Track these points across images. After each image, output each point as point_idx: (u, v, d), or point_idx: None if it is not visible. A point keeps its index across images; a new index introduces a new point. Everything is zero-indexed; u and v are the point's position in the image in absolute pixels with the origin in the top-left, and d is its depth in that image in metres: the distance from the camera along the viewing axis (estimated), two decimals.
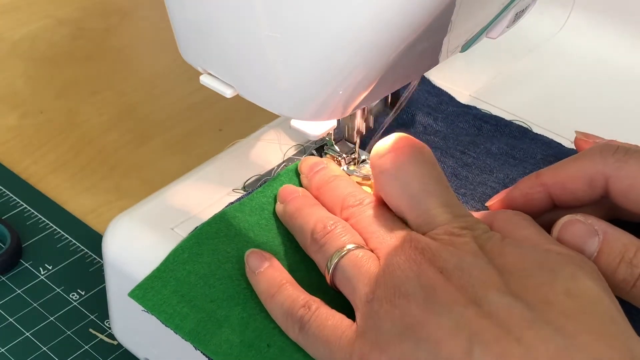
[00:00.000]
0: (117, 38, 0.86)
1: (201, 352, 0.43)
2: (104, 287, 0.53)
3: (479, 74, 0.63)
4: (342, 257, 0.42)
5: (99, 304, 0.58)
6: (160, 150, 0.72)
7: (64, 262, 0.61)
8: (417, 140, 0.45)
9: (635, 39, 0.62)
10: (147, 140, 0.73)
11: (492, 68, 0.63)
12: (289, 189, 0.48)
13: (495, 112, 0.58)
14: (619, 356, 0.35)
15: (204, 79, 0.47)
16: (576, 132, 0.48)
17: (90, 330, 0.57)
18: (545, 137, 0.56)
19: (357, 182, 0.49)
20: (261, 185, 0.50)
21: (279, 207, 0.48)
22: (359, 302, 0.40)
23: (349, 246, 0.42)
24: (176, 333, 0.44)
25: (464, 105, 0.58)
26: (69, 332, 0.57)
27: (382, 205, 0.45)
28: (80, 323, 0.57)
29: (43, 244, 0.63)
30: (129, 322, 0.52)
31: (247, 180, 0.52)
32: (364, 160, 0.52)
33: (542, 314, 0.36)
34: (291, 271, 0.45)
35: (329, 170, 0.49)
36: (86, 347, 0.56)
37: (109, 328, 0.57)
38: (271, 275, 0.43)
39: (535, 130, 0.56)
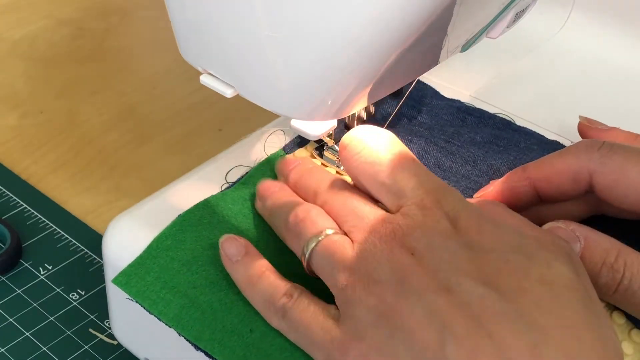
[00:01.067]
0: (117, 38, 0.86)
1: (184, 337, 0.44)
2: (104, 287, 0.53)
3: (479, 74, 0.63)
4: (318, 243, 0.42)
5: (99, 304, 0.58)
6: (160, 150, 0.72)
7: (64, 262, 0.61)
8: (382, 128, 0.45)
9: (635, 39, 0.62)
10: (147, 140, 0.73)
11: (492, 68, 0.63)
12: (266, 185, 0.48)
13: (495, 112, 0.58)
14: (589, 349, 0.35)
15: (204, 79, 0.47)
16: (580, 117, 0.48)
17: (90, 330, 0.57)
18: (528, 128, 0.56)
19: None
20: (243, 177, 0.51)
21: (258, 204, 0.48)
22: (335, 288, 0.40)
23: (327, 232, 0.42)
24: (159, 319, 0.44)
25: (448, 98, 0.59)
26: (69, 332, 0.57)
27: (355, 188, 0.45)
28: (80, 323, 0.57)
29: (43, 244, 0.63)
30: (129, 322, 0.52)
31: (229, 172, 0.52)
32: None
33: (515, 304, 0.36)
34: (273, 259, 0.45)
35: (303, 164, 0.48)
36: (86, 347, 0.56)
37: (109, 328, 0.57)
38: (251, 264, 0.43)
39: (534, 129, 0.56)
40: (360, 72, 0.42)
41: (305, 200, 0.46)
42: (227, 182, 0.52)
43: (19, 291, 0.59)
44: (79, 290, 0.60)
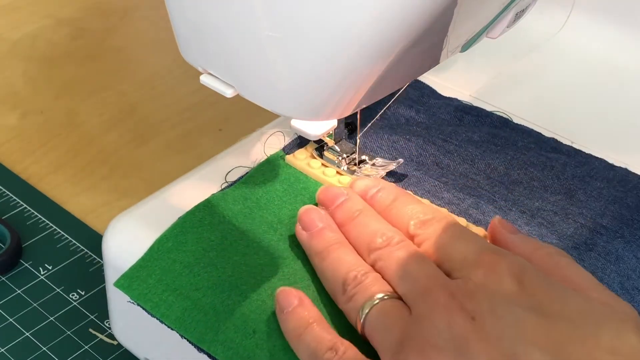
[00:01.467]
0: (117, 38, 0.86)
1: (186, 339, 0.44)
2: (104, 287, 0.53)
3: (479, 74, 0.63)
4: (372, 307, 0.40)
5: (99, 304, 0.58)
6: (160, 150, 0.72)
7: (64, 262, 0.61)
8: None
9: (635, 39, 0.62)
10: (147, 140, 0.73)
11: (492, 68, 0.63)
12: (312, 215, 0.46)
13: (495, 112, 0.58)
14: None
15: (204, 79, 0.47)
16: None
17: (90, 330, 0.57)
18: (525, 126, 0.56)
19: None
20: (243, 176, 0.50)
21: (302, 234, 0.46)
22: (387, 353, 0.39)
23: (379, 295, 0.41)
24: (162, 322, 0.44)
25: (445, 97, 0.59)
26: (69, 332, 0.57)
27: (411, 245, 0.43)
28: (80, 323, 0.57)
29: (43, 244, 0.63)
30: (129, 322, 0.52)
31: (229, 172, 0.52)
32: (363, 161, 0.52)
33: None
34: (278, 260, 0.45)
35: (352, 203, 0.46)
36: (86, 347, 0.56)
37: (109, 328, 0.57)
38: (299, 315, 0.41)
39: (534, 129, 0.56)
40: (360, 72, 0.42)
41: (356, 249, 0.44)
42: (227, 182, 0.52)
43: (19, 291, 0.59)
44: (79, 290, 0.60)
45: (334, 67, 0.41)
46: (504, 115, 0.57)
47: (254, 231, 0.47)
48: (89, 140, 0.73)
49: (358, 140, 0.52)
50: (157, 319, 0.45)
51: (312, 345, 0.40)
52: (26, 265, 0.61)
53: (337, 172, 0.51)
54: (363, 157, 0.52)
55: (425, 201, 0.49)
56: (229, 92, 0.46)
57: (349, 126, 0.53)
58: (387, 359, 0.39)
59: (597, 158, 0.54)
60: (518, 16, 0.49)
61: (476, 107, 0.58)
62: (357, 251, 0.44)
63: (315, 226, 0.45)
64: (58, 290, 0.59)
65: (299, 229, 0.46)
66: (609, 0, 0.63)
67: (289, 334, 0.42)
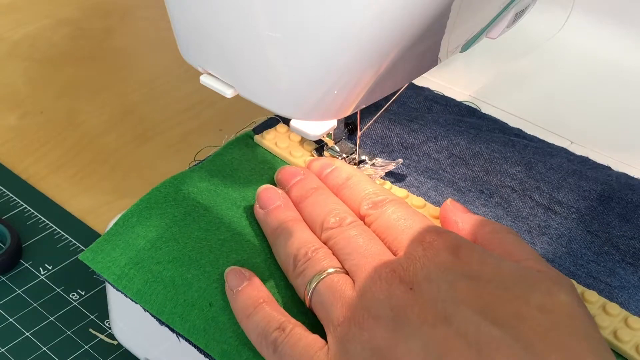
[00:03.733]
0: (117, 38, 0.86)
1: (147, 310, 0.45)
2: (104, 287, 0.53)
3: (479, 74, 0.63)
4: (320, 281, 0.42)
5: (99, 304, 0.58)
6: (160, 150, 0.72)
7: (64, 262, 0.61)
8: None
9: (635, 39, 0.62)
10: (147, 140, 0.73)
11: (492, 68, 0.63)
12: (269, 194, 0.47)
13: (495, 112, 0.58)
14: None
15: (204, 79, 0.47)
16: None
17: (90, 330, 0.57)
18: (491, 115, 0.57)
19: None
20: (211, 155, 0.52)
21: (259, 212, 0.47)
22: (331, 326, 0.40)
23: (329, 270, 0.42)
24: (124, 294, 0.46)
25: (417, 87, 0.59)
26: (69, 332, 0.57)
27: (362, 225, 0.44)
28: (80, 323, 0.57)
29: (43, 244, 0.63)
30: (129, 322, 0.52)
31: (199, 152, 0.53)
32: (363, 160, 0.52)
33: (513, 331, 0.36)
34: (238, 236, 0.46)
35: (307, 181, 0.48)
36: (86, 347, 0.56)
37: (109, 328, 0.57)
38: (248, 294, 0.42)
39: (534, 129, 0.56)
40: (360, 73, 0.42)
41: (310, 227, 0.45)
42: (195, 161, 0.53)
43: (19, 291, 0.59)
44: (79, 290, 0.60)
45: (334, 67, 0.41)
46: (474, 106, 0.58)
47: (217, 208, 0.48)
48: (89, 140, 0.73)
49: (358, 140, 0.52)
50: (119, 290, 0.46)
51: (261, 325, 0.41)
52: (26, 265, 0.61)
53: (303, 157, 0.52)
54: (363, 157, 0.52)
55: (387, 184, 0.50)
56: (229, 92, 0.46)
57: (349, 126, 0.53)
58: (331, 331, 0.40)
59: (560, 147, 0.55)
60: (518, 16, 0.49)
61: (446, 97, 0.58)
62: (310, 228, 0.45)
63: (272, 204, 0.47)
64: (58, 290, 0.59)
65: (256, 207, 0.47)
66: (609, 0, 0.63)
67: (239, 313, 0.42)
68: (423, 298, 0.38)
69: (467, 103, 0.58)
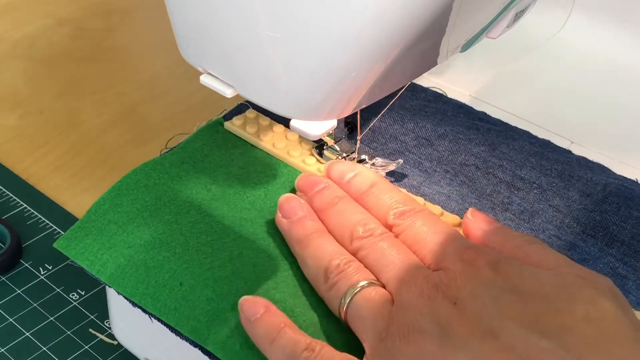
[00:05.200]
0: (117, 38, 0.86)
1: (120, 293, 0.46)
2: (104, 287, 0.53)
3: (479, 74, 0.63)
4: (355, 294, 0.41)
5: (99, 304, 0.58)
6: (160, 150, 0.72)
7: (64, 262, 0.61)
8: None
9: (635, 39, 0.62)
10: (147, 140, 0.73)
11: (492, 68, 0.63)
12: (292, 203, 0.46)
13: (495, 112, 0.58)
14: None
15: (204, 79, 0.47)
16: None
17: (90, 330, 0.57)
18: (457, 100, 0.58)
19: None
20: (182, 143, 0.53)
21: (283, 222, 0.46)
22: (371, 339, 0.39)
23: (362, 283, 0.41)
24: (97, 279, 0.47)
25: None
26: (69, 332, 0.57)
27: (392, 237, 0.44)
28: (80, 323, 0.57)
29: (43, 244, 0.63)
30: (129, 322, 0.52)
31: (170, 139, 0.54)
32: (363, 160, 0.52)
33: (562, 342, 0.36)
34: (207, 218, 0.47)
35: (331, 190, 0.47)
36: (86, 347, 0.56)
37: (109, 328, 0.57)
38: (268, 321, 0.42)
39: (534, 129, 0.56)
40: (360, 73, 0.42)
41: (336, 237, 0.45)
42: (167, 148, 0.53)
43: (19, 291, 0.59)
44: (79, 290, 0.60)
45: (334, 67, 0.41)
46: (440, 91, 0.58)
47: (187, 192, 0.49)
48: (89, 140, 0.73)
49: (358, 140, 0.52)
50: (92, 276, 0.47)
51: (288, 348, 0.40)
52: (26, 265, 0.61)
53: (272, 140, 0.53)
54: (363, 156, 0.52)
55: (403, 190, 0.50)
56: (229, 92, 0.46)
57: (348, 126, 0.53)
58: (371, 345, 0.39)
59: (522, 130, 0.56)
60: (518, 16, 0.49)
61: (413, 84, 0.59)
62: (336, 239, 0.45)
63: (296, 214, 0.46)
64: (58, 290, 0.59)
65: (279, 216, 0.47)
66: (608, 0, 0.63)
67: (261, 341, 0.42)
68: (468, 313, 0.38)
69: (433, 89, 0.58)
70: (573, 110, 0.60)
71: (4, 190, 0.67)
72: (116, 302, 0.52)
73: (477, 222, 0.45)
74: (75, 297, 0.59)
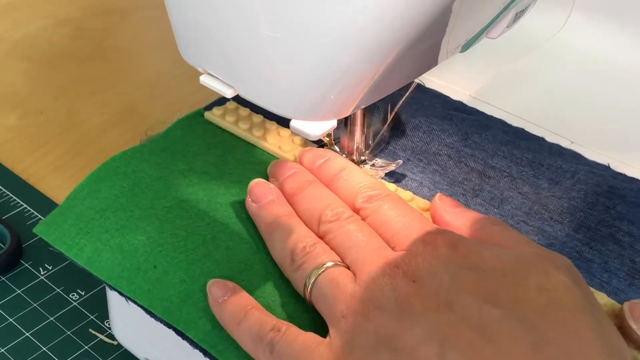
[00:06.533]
0: (117, 38, 0.86)
1: (95, 275, 0.47)
2: (104, 287, 0.53)
3: (479, 74, 0.63)
4: (320, 274, 0.42)
5: (99, 304, 0.58)
6: (140, 140, 0.72)
7: (64, 262, 0.61)
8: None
9: (635, 39, 0.62)
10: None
11: (492, 68, 0.63)
12: (261, 188, 0.47)
13: (495, 112, 0.58)
14: (590, 347, 0.36)
15: (204, 79, 0.47)
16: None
17: (90, 330, 0.57)
18: (435, 90, 0.59)
19: None
20: (161, 132, 0.54)
21: (252, 206, 0.47)
22: (334, 318, 0.40)
23: (327, 264, 0.42)
24: (75, 262, 0.48)
25: None
26: (69, 332, 0.57)
27: (360, 220, 0.45)
28: (80, 323, 0.57)
29: (43, 244, 0.62)
30: (129, 322, 0.52)
31: (149, 128, 0.55)
32: (363, 161, 0.52)
33: (514, 311, 0.37)
34: (183, 203, 0.48)
35: (301, 175, 0.48)
36: (86, 347, 0.56)
37: (109, 328, 0.57)
38: (236, 302, 0.43)
39: (534, 129, 0.56)
40: (360, 72, 0.42)
41: (305, 221, 0.46)
42: (147, 137, 0.54)
43: (19, 291, 0.59)
44: (79, 290, 0.60)
45: (334, 67, 0.41)
46: (419, 82, 0.59)
47: (164, 178, 0.50)
48: (89, 140, 0.73)
49: (358, 140, 0.52)
50: (70, 259, 0.48)
51: (255, 328, 0.41)
52: (26, 265, 0.61)
53: (250, 128, 0.54)
54: (363, 157, 0.52)
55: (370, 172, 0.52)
56: (229, 92, 0.46)
57: (348, 127, 0.53)
58: (334, 324, 0.40)
59: (497, 119, 0.57)
60: (518, 16, 0.49)
61: None
62: (305, 223, 0.46)
63: (265, 198, 0.47)
64: (58, 290, 0.59)
65: (248, 201, 0.48)
66: (608, 0, 0.63)
67: (228, 322, 0.43)
68: (426, 289, 0.39)
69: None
70: (573, 110, 0.60)
71: (4, 190, 0.67)
72: (116, 302, 0.52)
73: (443, 206, 0.46)
74: (75, 297, 0.59)
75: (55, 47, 0.84)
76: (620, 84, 0.61)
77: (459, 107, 0.58)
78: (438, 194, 0.47)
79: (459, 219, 0.45)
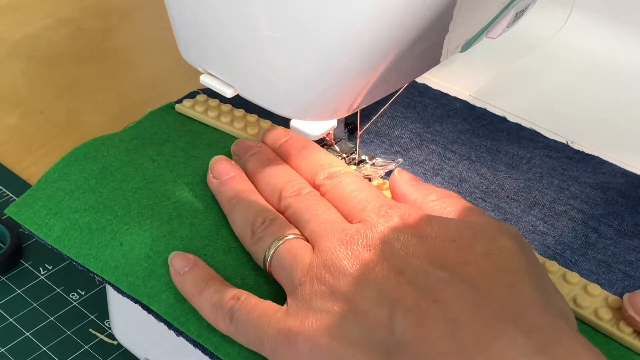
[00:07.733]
0: (117, 38, 0.86)
1: (64, 254, 0.48)
2: (104, 287, 0.53)
3: (479, 74, 0.63)
4: (279, 246, 0.43)
5: (99, 304, 0.58)
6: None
7: (64, 262, 0.61)
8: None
9: (635, 39, 0.62)
10: None
11: (492, 68, 0.63)
12: (223, 164, 0.49)
13: (495, 112, 0.58)
14: (530, 303, 0.37)
15: (204, 79, 0.47)
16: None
17: (90, 330, 0.57)
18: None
19: None
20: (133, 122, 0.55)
21: (213, 182, 0.48)
22: (292, 286, 0.42)
23: (286, 237, 0.43)
24: (44, 242, 0.49)
25: None
26: (69, 332, 0.57)
27: (319, 195, 0.46)
28: (80, 323, 0.57)
29: (43, 244, 0.63)
30: (129, 322, 0.52)
31: (127, 126, 0.56)
32: (363, 160, 0.52)
33: (459, 273, 0.38)
34: (150, 184, 0.49)
35: (263, 153, 0.49)
36: (86, 347, 0.56)
37: (109, 328, 0.57)
38: (197, 273, 0.44)
39: (534, 128, 0.56)
40: (360, 72, 0.42)
41: (266, 197, 0.47)
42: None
43: (19, 291, 0.59)
44: (79, 290, 0.60)
45: (334, 67, 0.41)
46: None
47: (134, 162, 0.51)
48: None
49: (358, 140, 0.52)
50: (40, 239, 0.49)
51: (215, 297, 0.43)
52: (26, 265, 0.61)
53: (218, 116, 0.55)
54: (363, 157, 0.52)
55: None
56: (229, 92, 0.46)
57: (348, 126, 0.53)
58: (291, 292, 0.42)
59: (458, 99, 0.59)
60: (518, 16, 0.49)
61: None
62: (266, 199, 0.47)
63: (227, 174, 0.48)
64: (58, 290, 0.59)
65: (210, 177, 0.49)
66: (608, 0, 0.63)
67: (189, 291, 0.44)
68: (379, 256, 0.40)
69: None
70: (573, 110, 0.60)
71: (4, 190, 0.67)
72: (116, 302, 0.52)
73: (401, 179, 0.47)
74: (75, 297, 0.59)
75: (55, 47, 0.84)
76: (620, 84, 0.61)
77: (423, 92, 0.60)
78: (397, 169, 0.48)
79: (416, 191, 0.46)
